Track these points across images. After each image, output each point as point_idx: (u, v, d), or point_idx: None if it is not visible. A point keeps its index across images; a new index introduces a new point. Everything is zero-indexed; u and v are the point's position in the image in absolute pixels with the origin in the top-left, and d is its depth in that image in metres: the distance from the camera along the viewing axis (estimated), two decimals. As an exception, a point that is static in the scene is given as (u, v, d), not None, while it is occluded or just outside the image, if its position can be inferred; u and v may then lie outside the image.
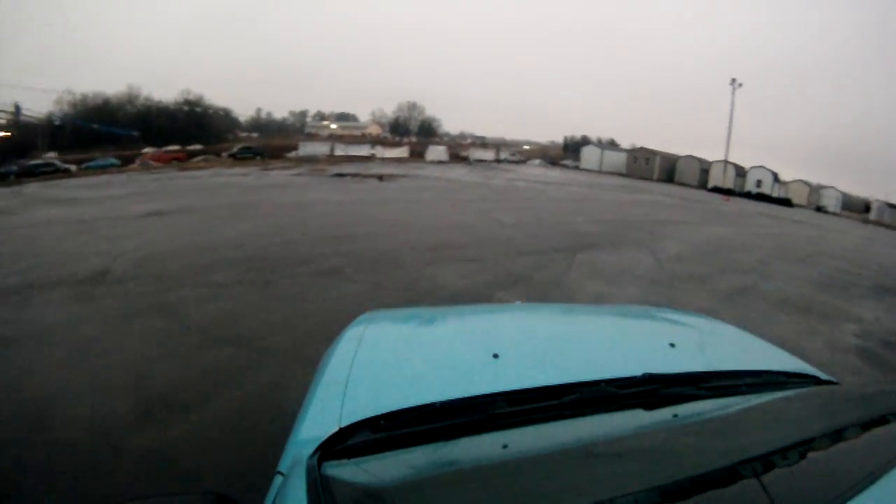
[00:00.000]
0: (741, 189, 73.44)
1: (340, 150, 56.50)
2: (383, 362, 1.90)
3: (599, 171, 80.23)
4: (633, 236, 16.61)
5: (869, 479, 1.05)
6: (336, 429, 1.40)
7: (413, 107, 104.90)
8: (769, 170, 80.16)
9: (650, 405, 1.54)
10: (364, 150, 57.69)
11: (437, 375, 1.75)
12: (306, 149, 56.07)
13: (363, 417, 1.43)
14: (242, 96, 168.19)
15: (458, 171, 43.94)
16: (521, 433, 1.44)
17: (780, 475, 1.13)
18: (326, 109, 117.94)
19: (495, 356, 1.80)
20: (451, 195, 24.54)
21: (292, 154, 54.54)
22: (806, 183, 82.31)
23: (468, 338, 2.25)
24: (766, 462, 1.15)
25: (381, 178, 31.19)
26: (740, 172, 79.82)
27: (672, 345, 2.02)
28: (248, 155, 52.99)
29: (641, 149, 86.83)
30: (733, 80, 71.00)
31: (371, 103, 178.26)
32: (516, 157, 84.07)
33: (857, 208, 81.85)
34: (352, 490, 1.19)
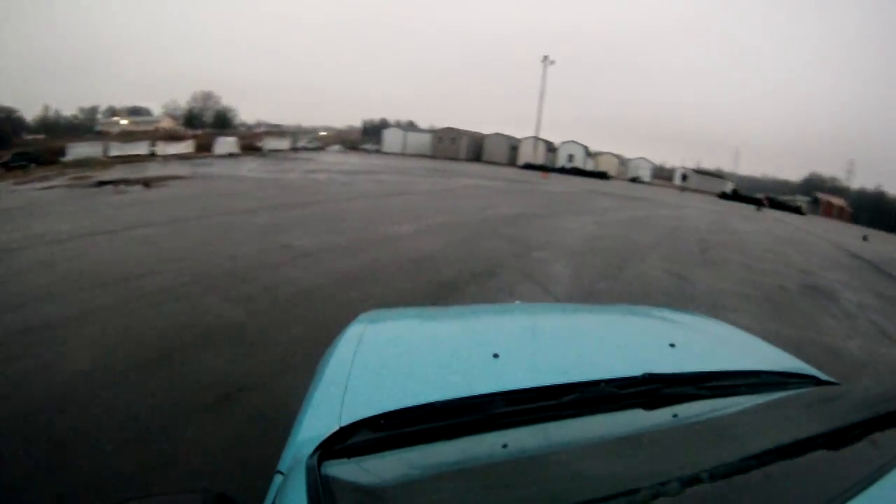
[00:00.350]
0: (553, 164, 73.77)
1: (117, 150, 46.51)
2: (383, 361, 1.87)
3: (403, 154, 78.84)
4: (493, 250, 12.17)
5: (869, 479, 1.05)
6: (336, 428, 1.39)
7: (208, 97, 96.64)
8: (580, 144, 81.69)
9: (650, 405, 1.53)
10: (143, 148, 48.43)
11: (437, 375, 1.72)
12: (77, 150, 42.95)
13: (363, 417, 1.42)
14: (29, 93, 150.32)
15: (249, 166, 36.40)
16: (521, 433, 1.43)
17: (780, 475, 1.12)
18: (119, 104, 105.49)
19: (495, 356, 1.78)
20: (228, 204, 16.77)
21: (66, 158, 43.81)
22: (615, 155, 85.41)
23: (468, 337, 2.24)
24: (765, 462, 1.13)
25: (148, 184, 23.88)
26: (551, 148, 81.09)
27: (672, 345, 2.00)
28: (21, 163, 40.77)
29: (447, 128, 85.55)
30: (545, 58, 70.63)
31: (167, 95, 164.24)
32: (314, 145, 78.91)
33: (665, 176, 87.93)
34: (352, 489, 1.18)
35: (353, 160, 52.08)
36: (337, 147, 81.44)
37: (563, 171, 68.61)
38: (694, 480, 1.04)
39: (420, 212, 17.62)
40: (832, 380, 1.89)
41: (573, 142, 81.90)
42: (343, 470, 1.21)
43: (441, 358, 1.89)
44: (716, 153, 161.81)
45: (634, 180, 76.26)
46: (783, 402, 1.70)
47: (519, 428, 1.42)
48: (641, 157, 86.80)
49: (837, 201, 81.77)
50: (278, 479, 1.27)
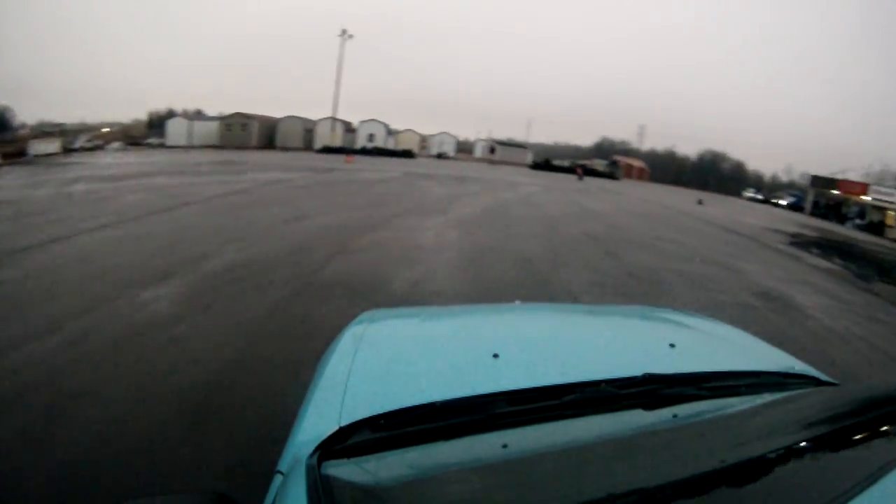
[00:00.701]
0: (352, 145, 70.10)
1: None
2: (383, 361, 1.86)
3: (189, 147, 71.25)
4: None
5: (869, 479, 1.04)
6: (336, 428, 1.37)
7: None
8: (381, 122, 79.26)
9: (650, 405, 1.52)
10: None
11: (438, 375, 1.71)
12: None
13: (363, 417, 1.41)
14: None
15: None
16: (521, 433, 1.42)
17: (780, 476, 1.11)
18: None
19: (495, 356, 1.75)
20: None
21: None
22: (415, 132, 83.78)
23: (468, 337, 2.22)
24: (765, 462, 1.13)
25: None
26: (350, 128, 77.77)
27: (672, 345, 1.98)
28: None
29: (236, 114, 78.88)
30: (343, 32, 66.88)
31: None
32: (92, 144, 68.70)
33: (466, 149, 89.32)
34: (351, 489, 1.17)
35: (130, 159, 42.98)
36: (117, 144, 70.96)
37: (364, 151, 64.81)
38: (694, 481, 1.04)
39: (198, 242, 11.05)
40: (832, 380, 1.89)
41: (373, 120, 78.82)
42: (343, 470, 1.21)
43: (441, 358, 1.87)
44: (508, 124, 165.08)
45: (440, 156, 75.34)
46: (783, 403, 1.69)
47: (519, 428, 1.41)
48: (444, 132, 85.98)
49: (637, 163, 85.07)
50: (278, 478, 1.26)
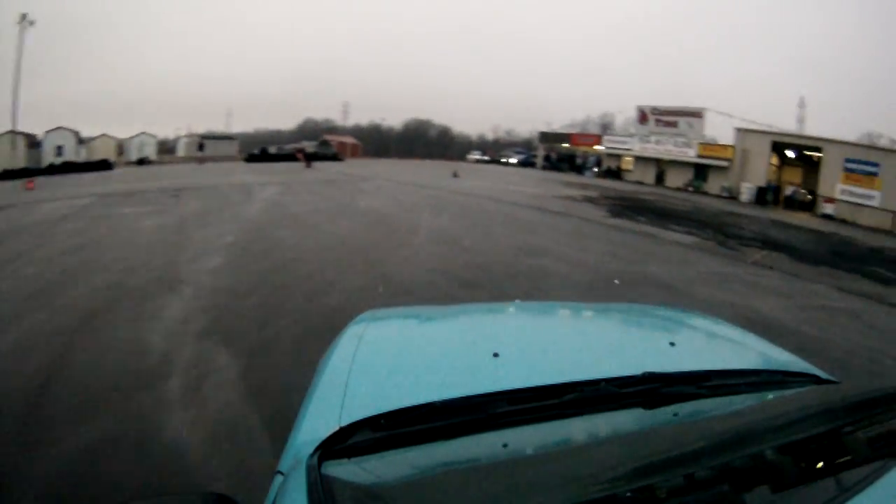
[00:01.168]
0: (39, 163, 58.14)
1: None
2: (384, 361, 1.87)
3: None
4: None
5: (869, 479, 1.06)
6: (336, 428, 1.38)
7: None
8: (70, 130, 68.33)
9: (650, 404, 1.53)
10: None
11: (438, 374, 1.72)
12: None
13: (363, 417, 1.42)
14: None
15: None
16: (522, 432, 1.43)
17: (780, 474, 1.13)
18: None
19: (495, 355, 1.77)
20: None
21: None
22: (111, 136, 75.03)
23: (468, 337, 2.24)
24: (766, 461, 1.15)
25: None
26: (34, 142, 65.01)
27: (672, 343, 2.01)
28: None
29: None
30: (23, 17, 51.73)
31: None
32: None
33: (167, 149, 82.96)
34: (352, 489, 1.17)
35: None
36: None
37: (52, 169, 53.64)
38: (694, 480, 1.06)
39: None
40: (832, 378, 1.91)
41: (61, 128, 66.88)
42: (343, 470, 1.21)
43: (441, 357, 1.89)
44: (206, 116, 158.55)
45: (142, 162, 66.51)
46: (783, 401, 1.70)
47: (519, 427, 1.42)
48: (143, 133, 77.22)
49: (349, 140, 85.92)
50: (278, 479, 1.27)
